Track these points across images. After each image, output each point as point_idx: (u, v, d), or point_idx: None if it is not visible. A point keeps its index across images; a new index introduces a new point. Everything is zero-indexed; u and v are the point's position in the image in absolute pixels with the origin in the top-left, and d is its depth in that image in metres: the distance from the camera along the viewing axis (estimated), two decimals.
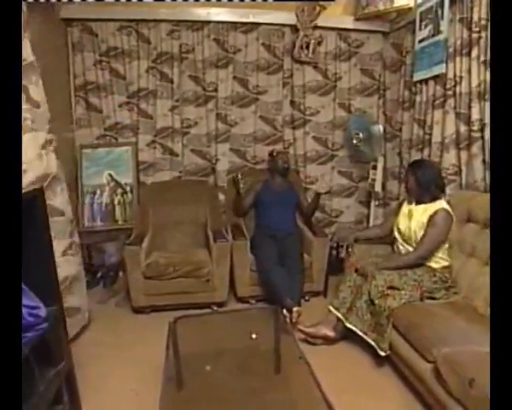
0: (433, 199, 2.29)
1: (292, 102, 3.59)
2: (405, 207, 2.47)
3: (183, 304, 2.76)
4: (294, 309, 2.52)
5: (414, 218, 2.35)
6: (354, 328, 2.24)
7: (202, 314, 2.51)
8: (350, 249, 2.63)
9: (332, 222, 3.82)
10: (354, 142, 3.40)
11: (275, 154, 3.30)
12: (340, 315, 2.33)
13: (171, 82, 3.37)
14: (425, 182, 2.30)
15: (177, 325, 1.81)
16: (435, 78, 2.81)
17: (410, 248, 2.36)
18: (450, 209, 2.24)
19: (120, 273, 3.33)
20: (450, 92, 2.67)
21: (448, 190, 2.55)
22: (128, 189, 3.42)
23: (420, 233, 2.28)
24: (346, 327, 2.28)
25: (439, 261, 2.28)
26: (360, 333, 2.22)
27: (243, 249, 2.91)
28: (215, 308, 2.86)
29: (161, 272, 2.73)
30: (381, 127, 3.32)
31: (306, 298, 3.04)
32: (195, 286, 2.78)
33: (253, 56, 3.44)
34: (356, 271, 2.37)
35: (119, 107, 3.38)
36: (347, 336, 2.35)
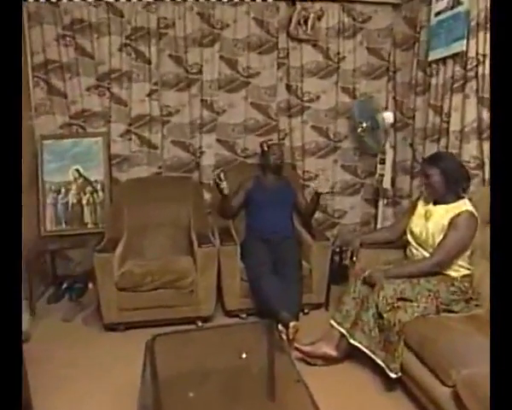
0: (457, 198, 2.29)
1: (288, 87, 3.58)
2: (421, 208, 2.46)
3: (162, 320, 2.74)
4: (291, 324, 2.52)
5: (432, 219, 2.34)
6: (360, 345, 2.22)
7: (185, 331, 2.50)
8: (355, 256, 2.61)
9: (334, 224, 3.82)
10: (358, 131, 3.40)
11: (266, 146, 3.29)
12: (343, 331, 2.32)
13: (149, 62, 3.34)
14: (453, 176, 2.28)
15: (155, 344, 1.82)
16: (454, 56, 2.81)
17: (426, 254, 2.35)
18: (474, 211, 2.23)
19: (89, 285, 3.28)
20: (471, 73, 2.67)
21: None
22: (98, 187, 3.39)
23: (439, 237, 2.27)
24: (350, 344, 2.27)
25: (458, 269, 2.27)
26: (367, 351, 2.20)
27: (232, 256, 2.90)
28: (200, 324, 2.85)
29: (137, 282, 2.71)
30: (389, 115, 3.31)
31: (305, 311, 3.04)
32: (177, 299, 2.76)
33: (243, 33, 3.42)
34: (362, 280, 2.36)
35: (86, 91, 3.34)
36: (352, 354, 2.34)
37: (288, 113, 3.61)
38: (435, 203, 2.38)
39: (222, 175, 2.89)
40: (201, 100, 3.45)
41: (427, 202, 2.45)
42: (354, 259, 2.60)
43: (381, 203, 3.62)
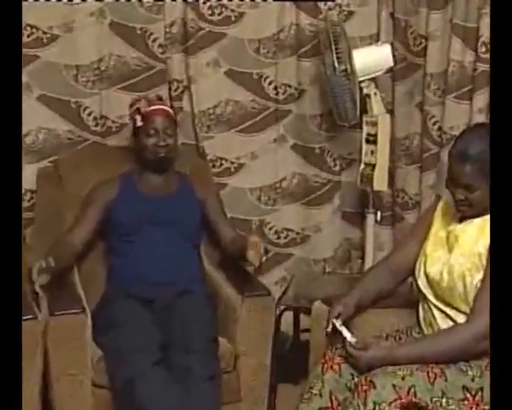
0: None
1: None
2: (441, 228, 2.54)
3: None
4: None
5: (460, 247, 2.40)
6: None
7: None
8: (341, 325, 2.54)
9: (282, 258, 3.96)
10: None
11: (139, 118, 3.16)
12: None
13: None
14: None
15: None
16: None
17: (458, 317, 2.38)
18: None
19: None
20: None
21: None
22: None
23: (474, 279, 2.31)
24: None
25: None
26: None
27: (76, 335, 2.83)
28: None
29: None
30: (383, 51, 3.40)
31: None
32: None
33: None
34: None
35: None
36: None
37: (185, 45, 3.62)
38: (462, 219, 2.44)
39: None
40: None
41: (448, 217, 2.51)
42: (343, 330, 2.51)
43: (370, 220, 3.68)
